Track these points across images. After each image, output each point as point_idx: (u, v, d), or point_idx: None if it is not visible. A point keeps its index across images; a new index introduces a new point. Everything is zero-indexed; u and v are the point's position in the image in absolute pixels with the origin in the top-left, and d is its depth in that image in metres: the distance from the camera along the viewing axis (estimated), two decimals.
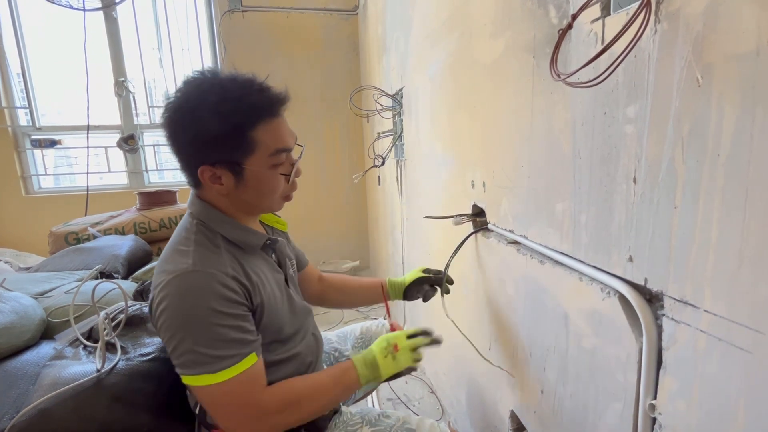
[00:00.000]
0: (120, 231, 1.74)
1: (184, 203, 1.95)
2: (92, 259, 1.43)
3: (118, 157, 2.72)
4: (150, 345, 0.86)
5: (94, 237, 1.67)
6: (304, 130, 2.57)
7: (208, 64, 2.74)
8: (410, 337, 0.81)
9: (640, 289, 0.56)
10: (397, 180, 1.98)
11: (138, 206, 1.89)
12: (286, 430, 0.71)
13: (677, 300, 0.50)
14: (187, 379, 0.64)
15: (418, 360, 0.80)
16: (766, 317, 0.39)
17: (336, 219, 2.95)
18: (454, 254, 1.06)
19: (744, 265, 0.41)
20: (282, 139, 0.71)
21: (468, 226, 1.10)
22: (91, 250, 1.49)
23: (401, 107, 1.82)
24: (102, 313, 0.86)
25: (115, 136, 2.65)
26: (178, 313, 0.63)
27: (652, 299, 0.55)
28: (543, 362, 0.81)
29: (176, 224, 1.81)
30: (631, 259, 0.56)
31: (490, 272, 1.03)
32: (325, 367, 0.97)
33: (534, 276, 0.82)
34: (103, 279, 1.22)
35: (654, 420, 0.55)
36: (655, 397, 0.54)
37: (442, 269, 1.05)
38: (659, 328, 0.53)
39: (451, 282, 1.06)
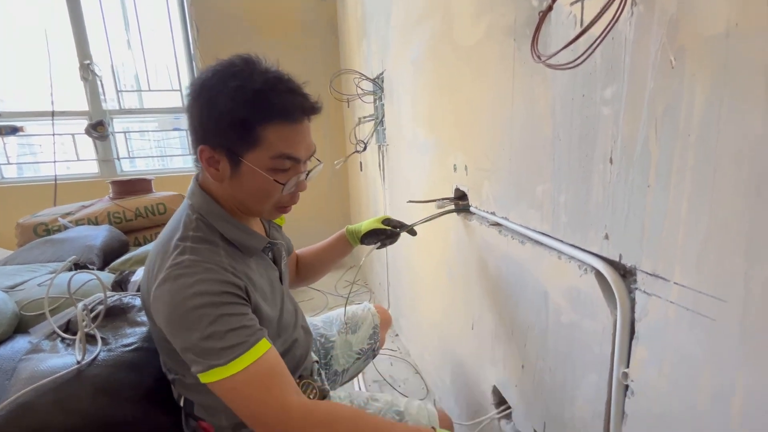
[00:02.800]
0: (93, 221, 1.67)
1: (161, 192, 1.89)
2: (65, 251, 1.38)
3: (86, 144, 2.60)
4: (132, 335, 0.85)
5: (66, 228, 1.61)
6: None
7: (179, 46, 2.63)
8: None
9: (615, 265, 0.58)
10: (380, 165, 1.97)
11: (111, 195, 1.82)
12: None
13: (649, 274, 0.52)
14: (202, 378, 0.60)
15: None
16: (729, 287, 0.42)
17: (319, 205, 2.93)
18: (425, 221, 1.07)
19: (711, 239, 0.44)
20: (292, 146, 0.66)
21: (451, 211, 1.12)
22: (63, 242, 1.43)
23: (382, 91, 1.80)
24: (80, 304, 0.84)
25: (83, 123, 2.53)
26: (176, 308, 0.60)
27: (626, 274, 0.57)
28: (524, 339, 0.84)
29: (153, 214, 1.76)
30: (607, 237, 0.59)
31: (472, 254, 1.05)
32: (314, 356, 0.98)
33: (515, 256, 0.84)
34: (79, 270, 1.18)
35: (626, 387, 0.58)
36: (627, 366, 0.58)
37: (406, 222, 1.05)
38: (632, 301, 0.56)
39: (414, 233, 1.06)
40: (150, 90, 2.69)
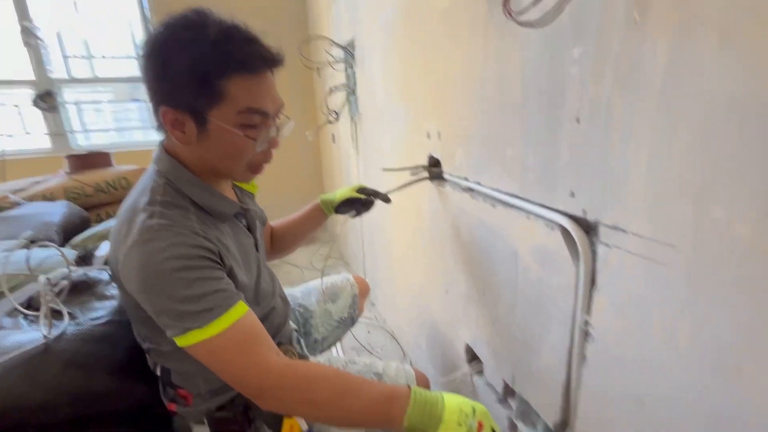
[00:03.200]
0: (48, 197, 1.58)
1: (123, 165, 1.80)
2: (19, 228, 1.30)
3: (35, 118, 2.41)
4: (101, 309, 0.82)
5: (18, 204, 1.51)
6: None
7: (133, 10, 2.43)
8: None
9: (580, 221, 0.61)
10: (353, 137, 1.95)
11: (67, 170, 1.71)
12: (296, 414, 0.67)
13: (610, 227, 0.56)
14: (178, 341, 0.59)
15: None
16: (680, 234, 0.46)
17: (291, 178, 2.88)
18: (400, 188, 1.08)
19: (665, 191, 0.47)
20: (257, 99, 0.63)
21: (425, 181, 1.13)
22: (18, 219, 1.35)
23: (353, 59, 1.76)
24: (41, 277, 0.80)
25: (29, 93, 2.33)
26: (149, 272, 0.58)
27: (590, 230, 0.61)
28: (495, 298, 0.88)
29: (115, 188, 1.67)
30: (572, 194, 0.62)
31: (446, 220, 1.07)
32: (292, 325, 0.99)
33: (487, 220, 0.87)
34: (38, 244, 1.12)
35: (587, 334, 0.63)
36: (589, 315, 0.62)
37: (379, 190, 1.05)
38: (594, 254, 0.59)
39: (388, 201, 1.06)
40: (102, 57, 2.50)
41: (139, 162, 2.00)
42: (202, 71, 0.59)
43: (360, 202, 1.05)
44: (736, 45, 0.38)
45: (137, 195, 0.67)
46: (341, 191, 1.06)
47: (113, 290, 0.88)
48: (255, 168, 0.72)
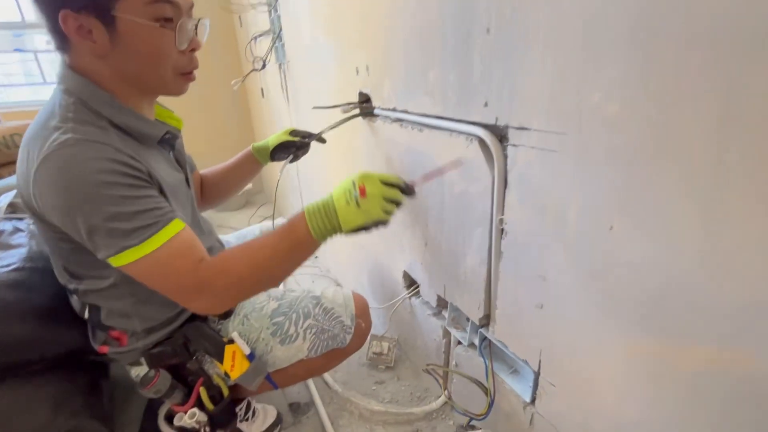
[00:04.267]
0: None
1: (12, 122, 1.57)
2: None
3: None
4: (9, 257, 0.75)
5: None
6: None
7: None
8: (385, 184, 0.66)
9: (493, 129, 0.68)
10: (282, 86, 1.87)
11: None
12: (234, 299, 0.69)
13: (517, 128, 0.62)
14: (113, 261, 0.57)
15: (389, 213, 0.65)
16: (569, 122, 0.53)
17: (218, 136, 2.70)
18: (333, 127, 1.08)
19: (555, 85, 0.53)
20: None
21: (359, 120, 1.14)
22: None
23: (277, 1, 1.66)
24: None
25: None
26: (71, 190, 0.53)
27: (502, 137, 0.67)
28: (425, 219, 0.95)
29: (7, 147, 1.47)
30: (486, 104, 0.67)
31: (379, 153, 1.10)
32: None
33: (414, 145, 0.91)
34: None
35: (502, 231, 0.71)
36: (503, 213, 0.70)
37: (312, 132, 1.04)
38: (505, 157, 0.66)
39: (323, 141, 1.05)
40: None
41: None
42: None
43: (295, 146, 1.02)
44: None
45: (44, 117, 0.59)
46: (273, 137, 1.03)
47: (20, 239, 0.81)
48: (185, 76, 0.66)
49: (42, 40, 2.31)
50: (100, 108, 0.60)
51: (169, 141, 0.74)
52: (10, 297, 0.69)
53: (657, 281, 0.48)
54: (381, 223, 0.66)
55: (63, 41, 0.59)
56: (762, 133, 0.35)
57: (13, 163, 1.48)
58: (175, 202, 0.69)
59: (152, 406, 0.99)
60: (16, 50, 2.24)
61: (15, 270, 0.73)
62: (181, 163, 0.79)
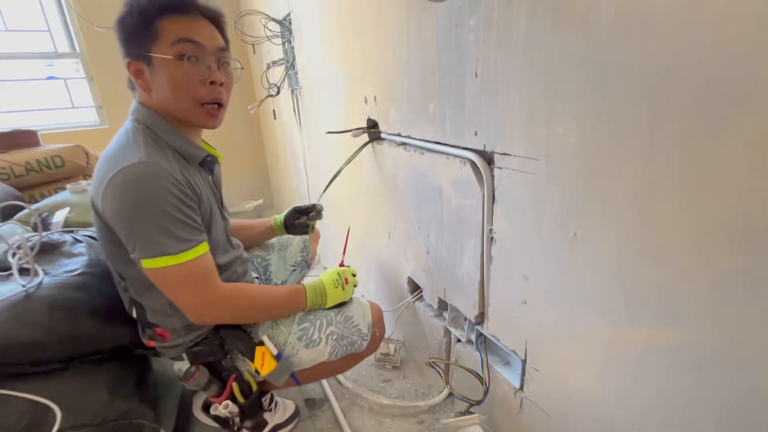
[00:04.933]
0: None
1: (53, 144, 1.72)
2: None
3: None
4: (73, 264, 0.89)
5: None
6: None
7: None
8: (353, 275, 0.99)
9: (482, 154, 0.81)
10: (294, 110, 2.03)
11: None
12: (228, 319, 0.83)
13: (501, 154, 0.76)
14: (147, 263, 0.69)
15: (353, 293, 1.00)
16: (540, 150, 0.66)
17: (233, 157, 2.87)
18: (346, 163, 1.23)
19: (530, 118, 0.67)
20: (187, 31, 0.73)
21: (364, 139, 1.28)
22: None
23: (291, 33, 1.83)
24: (14, 239, 0.84)
25: None
26: (135, 200, 0.67)
27: (490, 161, 0.81)
28: (427, 230, 1.08)
29: (48, 167, 1.62)
30: (476, 134, 0.81)
31: (385, 173, 1.24)
32: (253, 273, 1.10)
33: (417, 165, 1.05)
34: None
35: (492, 239, 0.84)
36: (492, 224, 0.83)
37: (314, 203, 1.21)
38: (493, 177, 0.80)
39: (320, 212, 1.20)
40: (7, 30, 2.28)
41: (70, 142, 1.92)
42: (143, 17, 0.72)
43: (305, 212, 1.18)
44: (567, 18, 0.58)
45: (119, 139, 0.75)
46: (283, 214, 1.20)
47: (80, 249, 0.94)
48: (207, 108, 0.78)
49: (72, 68, 2.51)
50: (159, 132, 0.77)
51: (209, 164, 0.88)
52: (78, 297, 0.82)
53: (609, 275, 0.60)
54: (349, 300, 0.98)
55: (131, 82, 0.78)
56: (677, 160, 0.48)
57: (56, 181, 1.64)
58: (211, 217, 0.83)
59: (184, 401, 1.11)
60: (49, 78, 2.43)
61: (79, 275, 0.86)
62: (218, 187, 0.93)
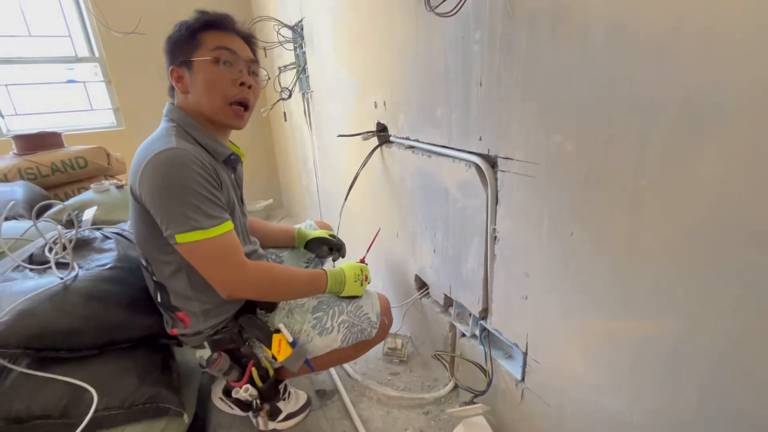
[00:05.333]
0: (1, 179, 1.57)
1: (77, 146, 1.80)
2: None
3: None
4: (104, 258, 0.95)
5: None
6: None
7: None
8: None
9: (486, 158, 0.86)
10: (305, 112, 2.09)
11: (16, 151, 1.70)
12: (250, 292, 0.87)
13: (504, 158, 0.81)
14: (180, 238, 0.75)
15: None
16: (539, 154, 0.71)
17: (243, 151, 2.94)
18: (362, 167, 1.29)
19: (530, 124, 0.72)
20: (225, 41, 0.85)
21: (374, 142, 1.34)
22: None
23: (302, 39, 1.89)
24: (50, 234, 0.91)
25: None
26: (169, 180, 0.74)
27: (494, 164, 0.86)
28: (434, 229, 1.13)
29: (72, 168, 1.70)
30: (480, 139, 0.86)
31: (393, 174, 1.30)
32: None
33: (424, 168, 1.10)
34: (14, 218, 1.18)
35: (495, 238, 0.89)
36: (495, 224, 0.88)
37: (343, 242, 1.26)
38: (496, 180, 0.85)
39: (343, 250, 1.27)
40: (31, 36, 2.37)
41: (89, 143, 2.00)
42: (189, 31, 0.84)
43: (329, 244, 1.24)
44: (565, 33, 0.63)
45: (155, 136, 0.83)
46: (315, 232, 1.26)
47: (110, 245, 1.01)
48: (236, 108, 0.88)
49: (90, 72, 2.60)
50: (190, 130, 0.85)
51: (233, 163, 0.95)
52: (110, 288, 0.89)
53: (602, 271, 0.65)
54: (359, 296, 1.05)
55: (171, 89, 0.88)
56: (663, 166, 0.53)
57: (79, 181, 1.72)
58: (233, 210, 0.90)
59: (202, 391, 1.17)
60: (69, 81, 2.53)
61: (110, 268, 0.92)
62: (239, 184, 0.99)
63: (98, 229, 1.07)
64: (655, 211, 0.55)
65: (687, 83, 0.48)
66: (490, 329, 0.99)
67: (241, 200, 1.00)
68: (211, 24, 0.85)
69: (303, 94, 2.07)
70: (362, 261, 1.10)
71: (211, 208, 0.78)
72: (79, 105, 2.59)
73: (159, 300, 0.92)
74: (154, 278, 0.90)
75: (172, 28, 0.86)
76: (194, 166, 0.76)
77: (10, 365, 0.77)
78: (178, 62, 0.84)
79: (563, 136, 0.66)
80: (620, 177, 0.58)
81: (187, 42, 0.84)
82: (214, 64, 0.83)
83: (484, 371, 1.01)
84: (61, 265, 0.93)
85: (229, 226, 0.81)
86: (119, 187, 1.51)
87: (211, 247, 0.78)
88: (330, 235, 1.26)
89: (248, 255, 0.98)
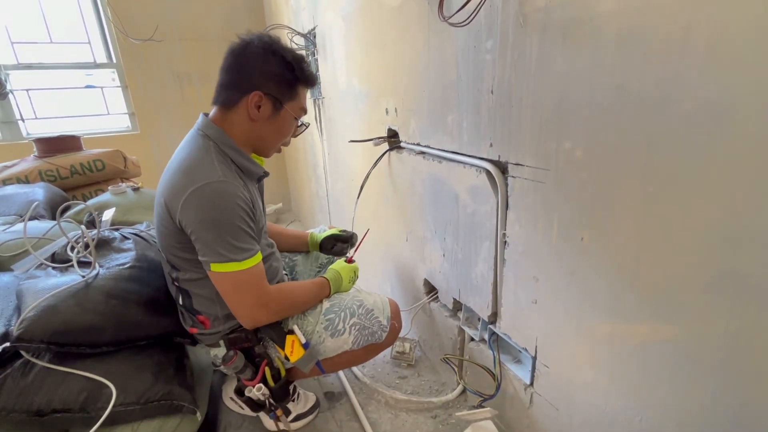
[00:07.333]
0: (23, 180, 1.62)
1: (94, 149, 1.85)
2: (6, 207, 1.38)
3: None
4: (123, 258, 0.98)
5: None
6: (209, 72, 2.50)
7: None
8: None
9: (497, 164, 0.88)
10: (316, 118, 2.13)
11: (37, 154, 1.75)
12: (277, 317, 0.92)
13: (514, 164, 0.82)
14: (216, 267, 0.80)
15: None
16: (550, 161, 0.73)
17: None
18: (373, 167, 1.31)
19: (540, 132, 0.73)
20: (305, 102, 0.96)
21: (385, 147, 1.36)
22: (1, 199, 1.41)
23: (315, 47, 1.93)
24: (72, 234, 0.94)
25: None
26: (215, 215, 0.78)
27: (504, 170, 0.87)
28: (443, 234, 1.14)
29: (90, 170, 1.75)
30: (491, 145, 0.88)
31: (403, 179, 1.31)
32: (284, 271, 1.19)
33: (435, 173, 1.12)
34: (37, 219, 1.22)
35: (505, 242, 0.90)
36: (505, 229, 0.89)
37: (354, 232, 1.31)
38: (507, 185, 0.86)
39: (355, 242, 1.31)
40: (52, 42, 2.45)
41: (106, 147, 2.06)
42: (292, 78, 0.89)
43: (340, 240, 1.28)
44: (573, 41, 0.65)
45: (195, 153, 0.84)
46: (325, 233, 1.30)
47: (128, 245, 1.04)
48: (280, 149, 1.00)
49: (108, 77, 2.67)
50: (226, 150, 0.87)
51: (262, 178, 0.99)
52: (129, 287, 0.92)
53: (612, 276, 0.66)
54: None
55: (232, 103, 0.88)
56: (671, 172, 0.54)
57: (96, 183, 1.77)
58: (260, 223, 0.93)
59: (213, 391, 1.19)
60: (87, 86, 2.60)
61: (129, 268, 0.95)
62: (262, 194, 1.03)
63: (116, 229, 1.11)
64: (664, 216, 0.56)
65: (695, 92, 0.49)
66: (500, 333, 0.99)
67: (264, 211, 1.03)
68: (307, 81, 0.93)
69: (314, 101, 2.11)
70: (350, 261, 1.16)
71: (246, 242, 0.83)
72: (96, 109, 2.66)
73: (181, 302, 0.95)
74: (176, 284, 0.93)
75: (276, 51, 0.86)
76: (239, 201, 0.81)
77: (33, 359, 0.80)
78: (267, 93, 0.86)
79: (573, 142, 0.68)
80: (630, 183, 0.60)
81: (287, 86, 0.89)
82: (294, 119, 0.93)
83: (493, 375, 1.02)
84: (82, 264, 0.96)
85: (258, 258, 0.86)
86: (135, 189, 1.55)
87: (241, 277, 0.83)
88: (340, 231, 1.31)
89: (268, 257, 1.03)
